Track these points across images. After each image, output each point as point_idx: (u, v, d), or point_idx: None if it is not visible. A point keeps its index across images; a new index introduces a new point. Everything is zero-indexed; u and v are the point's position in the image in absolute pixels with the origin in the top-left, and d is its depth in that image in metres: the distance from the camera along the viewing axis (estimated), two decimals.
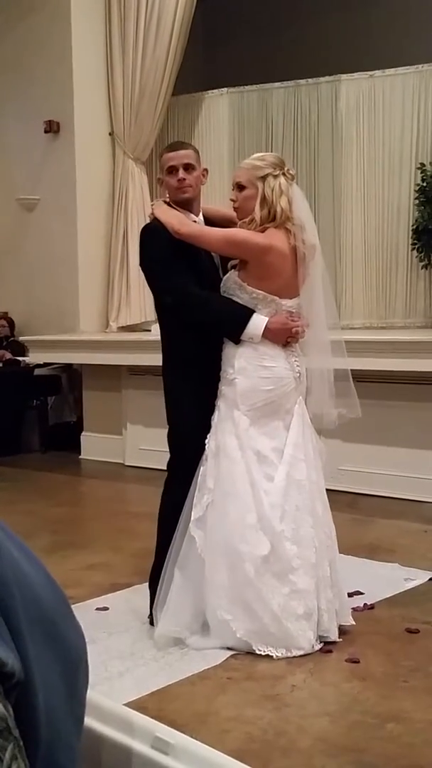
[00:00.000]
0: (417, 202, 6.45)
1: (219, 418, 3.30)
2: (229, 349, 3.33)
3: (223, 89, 7.53)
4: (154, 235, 3.38)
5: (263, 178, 3.27)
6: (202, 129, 7.64)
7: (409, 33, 7.59)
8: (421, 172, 6.40)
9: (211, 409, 3.33)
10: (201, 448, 3.29)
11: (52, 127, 7.46)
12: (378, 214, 6.86)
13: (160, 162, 3.51)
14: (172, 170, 3.38)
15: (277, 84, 7.31)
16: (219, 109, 7.54)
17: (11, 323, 7.84)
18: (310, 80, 7.15)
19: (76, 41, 7.31)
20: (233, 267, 3.39)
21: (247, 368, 3.27)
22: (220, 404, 3.32)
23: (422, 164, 6.44)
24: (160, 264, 3.37)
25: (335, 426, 3.46)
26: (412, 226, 6.49)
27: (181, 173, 3.36)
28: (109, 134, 7.56)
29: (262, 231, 3.26)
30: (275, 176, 3.27)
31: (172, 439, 3.42)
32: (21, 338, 7.55)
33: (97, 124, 7.50)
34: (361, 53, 7.52)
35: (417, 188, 6.46)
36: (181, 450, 3.37)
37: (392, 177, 6.81)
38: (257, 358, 3.28)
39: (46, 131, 7.48)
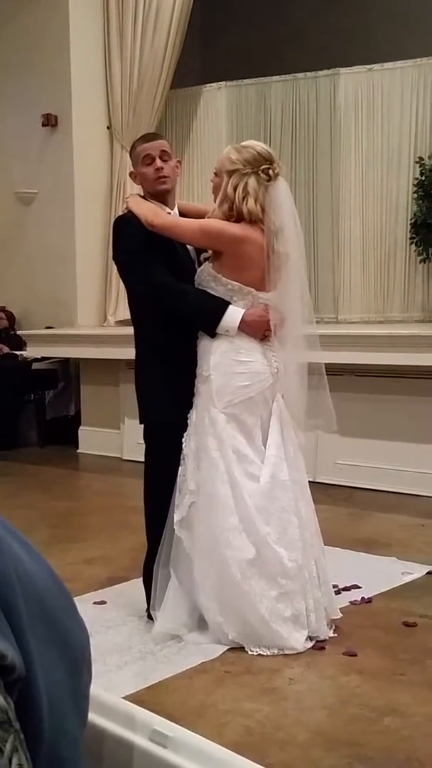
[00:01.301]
0: (415, 196, 6.45)
1: (196, 417, 3.23)
2: (204, 344, 3.25)
3: (221, 83, 7.52)
4: (127, 226, 3.32)
5: (230, 173, 3.19)
6: (200, 123, 7.63)
7: (407, 27, 7.58)
8: (420, 166, 6.40)
9: (186, 404, 3.26)
10: (178, 445, 3.24)
11: (49, 121, 7.44)
12: (376, 208, 6.86)
13: (133, 155, 3.43)
14: (148, 160, 3.33)
15: (275, 78, 7.30)
16: (217, 102, 7.53)
17: (11, 317, 7.82)
18: (308, 74, 7.14)
19: (73, 34, 7.29)
20: (206, 259, 3.32)
21: (223, 363, 3.19)
22: (197, 402, 3.25)
23: (421, 158, 6.43)
24: (133, 256, 3.30)
25: (308, 430, 3.40)
26: (411, 220, 6.49)
27: (158, 162, 3.32)
28: (107, 128, 7.55)
29: (237, 222, 3.19)
30: (244, 174, 3.16)
31: (148, 436, 3.37)
32: (19, 332, 7.55)
33: (95, 117, 7.49)
34: (360, 47, 7.51)
35: (415, 182, 6.46)
36: (158, 446, 3.33)
37: (391, 171, 6.80)
38: (233, 352, 3.20)
39: (43, 125, 7.47)
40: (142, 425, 3.42)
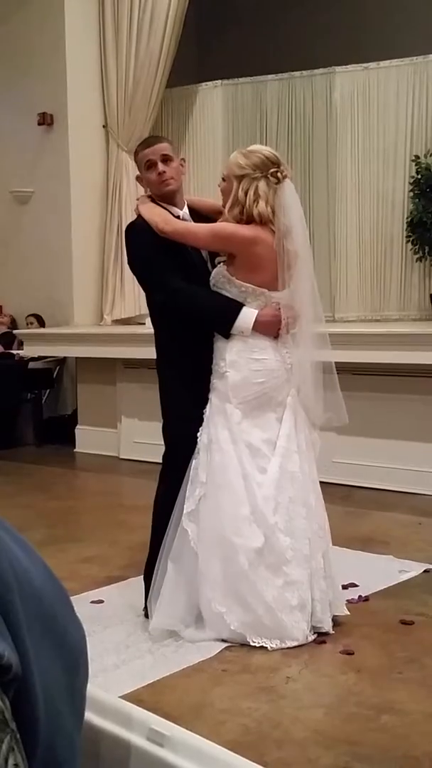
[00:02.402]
0: (411, 194, 6.44)
1: (211, 412, 3.29)
2: (220, 343, 3.32)
3: (217, 81, 7.51)
4: (138, 233, 3.36)
5: (240, 178, 3.23)
6: (196, 121, 7.63)
7: (403, 25, 7.58)
8: (416, 165, 6.39)
9: (205, 403, 3.33)
10: (195, 441, 3.29)
11: (45, 120, 7.44)
12: (372, 206, 6.86)
13: (137, 160, 3.48)
14: (151, 165, 3.36)
15: (271, 76, 7.30)
16: (213, 101, 7.52)
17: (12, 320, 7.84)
18: (304, 72, 7.14)
19: (69, 33, 7.29)
20: (220, 262, 3.37)
21: (239, 361, 3.26)
22: (212, 397, 3.31)
23: (417, 156, 6.43)
24: (146, 262, 3.37)
25: (322, 426, 3.43)
26: (407, 218, 6.49)
27: (161, 166, 3.34)
28: (103, 127, 7.54)
29: (248, 224, 3.24)
30: (254, 179, 3.21)
31: (167, 433, 3.42)
32: (15, 331, 7.54)
33: (91, 116, 7.48)
34: (356, 45, 7.51)
35: (411, 180, 6.45)
36: (176, 443, 3.37)
37: (387, 169, 6.81)
38: (248, 351, 3.27)
39: (39, 124, 7.46)
40: (162, 423, 3.46)
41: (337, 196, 6.96)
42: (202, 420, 3.31)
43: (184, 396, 3.37)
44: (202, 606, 3.20)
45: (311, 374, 3.32)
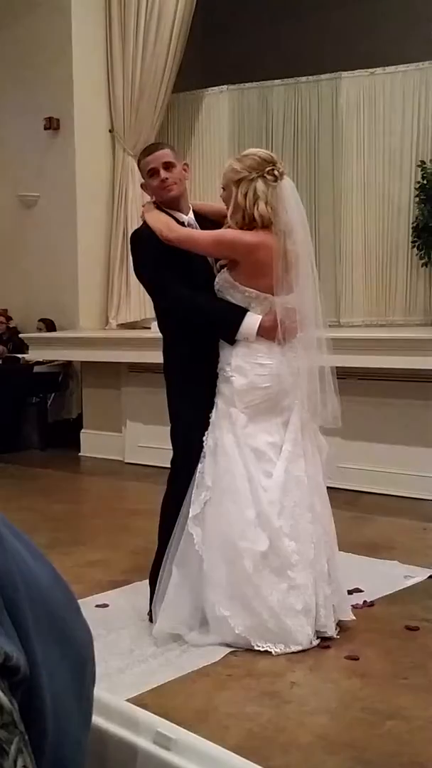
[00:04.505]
0: (417, 199, 6.46)
1: (217, 416, 3.29)
2: (225, 348, 3.33)
3: (223, 86, 7.53)
4: (143, 240, 3.38)
5: (237, 182, 3.23)
6: (202, 126, 7.64)
7: (409, 30, 7.58)
8: (422, 170, 6.41)
9: (212, 407, 3.32)
10: (202, 446, 3.29)
11: (52, 124, 7.46)
12: (378, 211, 6.87)
13: (139, 168, 3.49)
14: (153, 173, 3.36)
15: (277, 81, 7.32)
16: (219, 106, 7.54)
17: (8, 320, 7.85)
18: (310, 77, 7.16)
19: (76, 38, 7.31)
20: (222, 267, 3.37)
21: (244, 366, 3.26)
22: (218, 401, 3.31)
23: (423, 162, 6.45)
24: (151, 269, 3.37)
25: (337, 425, 3.42)
26: (413, 223, 6.50)
27: (163, 173, 3.34)
28: (109, 131, 7.56)
29: (250, 229, 3.24)
30: (250, 180, 3.21)
31: (176, 439, 3.42)
32: (21, 335, 7.55)
33: (97, 121, 7.50)
34: (362, 50, 7.51)
35: (417, 186, 6.47)
36: (184, 447, 3.36)
37: (393, 175, 6.81)
38: (253, 356, 3.26)
39: (46, 128, 7.48)
40: (169, 428, 3.46)
41: (342, 202, 6.97)
42: (207, 426, 3.30)
43: (191, 400, 3.36)
44: (207, 609, 3.20)
45: (316, 378, 3.30)
